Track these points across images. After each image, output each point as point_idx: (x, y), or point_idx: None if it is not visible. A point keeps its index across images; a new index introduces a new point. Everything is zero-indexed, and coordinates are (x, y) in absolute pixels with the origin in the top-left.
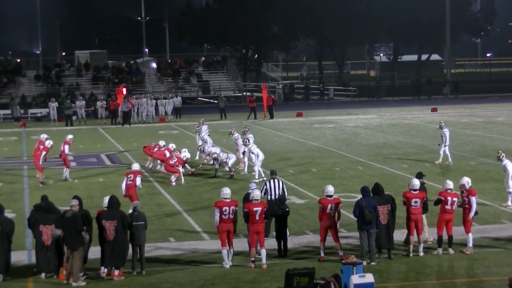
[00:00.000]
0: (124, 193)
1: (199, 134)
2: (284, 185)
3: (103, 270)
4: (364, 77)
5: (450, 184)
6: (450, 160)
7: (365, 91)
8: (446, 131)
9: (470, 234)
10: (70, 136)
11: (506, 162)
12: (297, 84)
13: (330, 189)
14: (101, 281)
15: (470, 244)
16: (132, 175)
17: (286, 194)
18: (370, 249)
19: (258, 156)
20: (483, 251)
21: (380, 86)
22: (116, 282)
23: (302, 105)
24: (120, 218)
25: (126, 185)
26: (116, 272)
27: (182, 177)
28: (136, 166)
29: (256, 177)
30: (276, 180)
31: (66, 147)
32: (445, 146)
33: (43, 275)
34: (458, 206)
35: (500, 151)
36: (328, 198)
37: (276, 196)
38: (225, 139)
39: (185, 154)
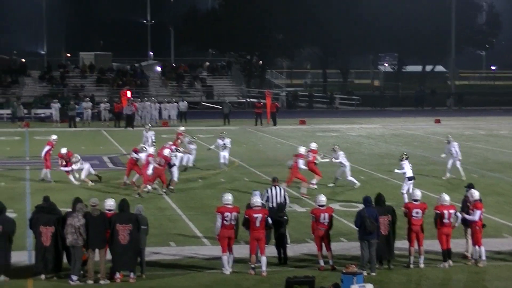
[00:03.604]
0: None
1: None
2: (286, 193)
3: (117, 275)
4: (368, 86)
5: (445, 197)
6: (463, 175)
7: (369, 101)
8: (455, 145)
9: (482, 247)
10: (54, 137)
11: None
12: (301, 92)
13: (322, 198)
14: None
15: (484, 257)
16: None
17: (287, 202)
18: (370, 260)
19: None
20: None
21: (384, 96)
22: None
23: (305, 112)
24: (136, 221)
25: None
26: (132, 274)
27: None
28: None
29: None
30: (277, 188)
31: (47, 147)
32: (456, 160)
33: (42, 276)
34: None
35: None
36: (321, 207)
37: (277, 203)
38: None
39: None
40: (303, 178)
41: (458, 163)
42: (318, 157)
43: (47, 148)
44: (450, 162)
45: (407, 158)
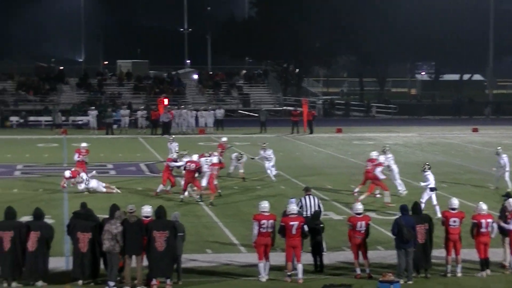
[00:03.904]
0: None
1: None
2: (319, 202)
3: (154, 282)
4: (405, 95)
5: (482, 206)
6: (510, 186)
7: (406, 109)
8: (504, 157)
9: None
10: (83, 145)
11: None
12: (338, 100)
13: (359, 207)
14: None
15: None
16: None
17: (322, 210)
18: (407, 268)
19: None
20: None
21: (421, 104)
22: None
23: (342, 121)
24: (172, 228)
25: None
26: (168, 281)
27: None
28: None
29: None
30: (311, 197)
31: (76, 155)
32: (505, 172)
33: (80, 282)
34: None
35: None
36: (358, 215)
37: (311, 212)
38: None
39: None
40: (384, 186)
41: (506, 175)
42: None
43: (75, 156)
44: (498, 173)
45: (429, 168)
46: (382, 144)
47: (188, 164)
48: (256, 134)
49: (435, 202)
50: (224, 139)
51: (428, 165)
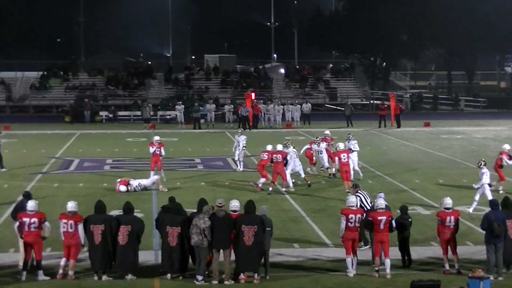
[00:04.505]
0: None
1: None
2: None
3: (242, 276)
4: (494, 88)
5: None
6: None
7: (495, 102)
8: None
9: None
10: (156, 138)
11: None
12: (425, 94)
13: (448, 201)
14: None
15: None
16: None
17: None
18: (497, 264)
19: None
20: None
21: (510, 97)
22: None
23: (429, 114)
24: (261, 222)
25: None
26: (256, 275)
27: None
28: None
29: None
30: (360, 194)
31: (150, 148)
32: None
33: (168, 275)
34: None
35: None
36: (446, 210)
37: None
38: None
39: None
40: (502, 177)
41: None
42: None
43: (150, 149)
44: None
45: (485, 164)
46: (470, 139)
47: (275, 156)
48: (343, 128)
49: (490, 197)
50: (327, 132)
51: (484, 161)
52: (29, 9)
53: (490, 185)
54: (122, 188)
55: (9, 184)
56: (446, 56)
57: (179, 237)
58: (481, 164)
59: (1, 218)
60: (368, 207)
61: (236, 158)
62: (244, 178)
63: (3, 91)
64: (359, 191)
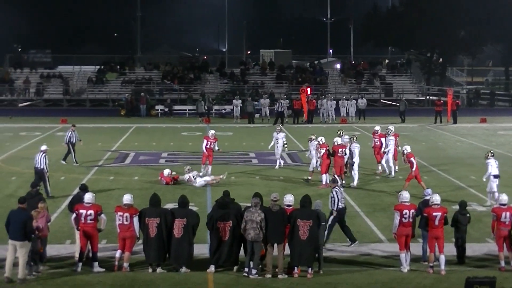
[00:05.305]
0: None
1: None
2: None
3: (295, 270)
4: None
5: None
6: None
7: None
8: None
9: None
10: (212, 132)
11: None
12: (482, 90)
13: (504, 197)
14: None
15: None
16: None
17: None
18: None
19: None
20: None
21: None
22: (294, 279)
23: (486, 110)
24: (316, 217)
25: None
26: (310, 270)
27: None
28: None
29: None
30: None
31: (205, 142)
32: None
33: (213, 268)
34: None
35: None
36: (502, 206)
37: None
38: (405, 142)
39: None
40: None
41: None
42: None
43: (204, 142)
44: None
45: (493, 155)
46: None
47: (341, 150)
48: (397, 124)
49: (494, 189)
50: (391, 127)
51: (491, 152)
52: (87, 5)
53: (498, 176)
54: (166, 172)
55: (66, 177)
56: (504, 52)
57: (231, 231)
58: (488, 156)
59: (58, 210)
60: (340, 206)
61: (277, 157)
62: (297, 174)
63: (60, 84)
64: (336, 187)
